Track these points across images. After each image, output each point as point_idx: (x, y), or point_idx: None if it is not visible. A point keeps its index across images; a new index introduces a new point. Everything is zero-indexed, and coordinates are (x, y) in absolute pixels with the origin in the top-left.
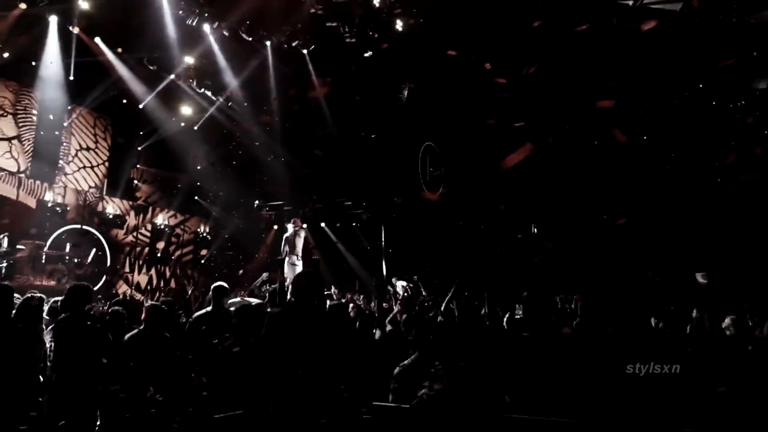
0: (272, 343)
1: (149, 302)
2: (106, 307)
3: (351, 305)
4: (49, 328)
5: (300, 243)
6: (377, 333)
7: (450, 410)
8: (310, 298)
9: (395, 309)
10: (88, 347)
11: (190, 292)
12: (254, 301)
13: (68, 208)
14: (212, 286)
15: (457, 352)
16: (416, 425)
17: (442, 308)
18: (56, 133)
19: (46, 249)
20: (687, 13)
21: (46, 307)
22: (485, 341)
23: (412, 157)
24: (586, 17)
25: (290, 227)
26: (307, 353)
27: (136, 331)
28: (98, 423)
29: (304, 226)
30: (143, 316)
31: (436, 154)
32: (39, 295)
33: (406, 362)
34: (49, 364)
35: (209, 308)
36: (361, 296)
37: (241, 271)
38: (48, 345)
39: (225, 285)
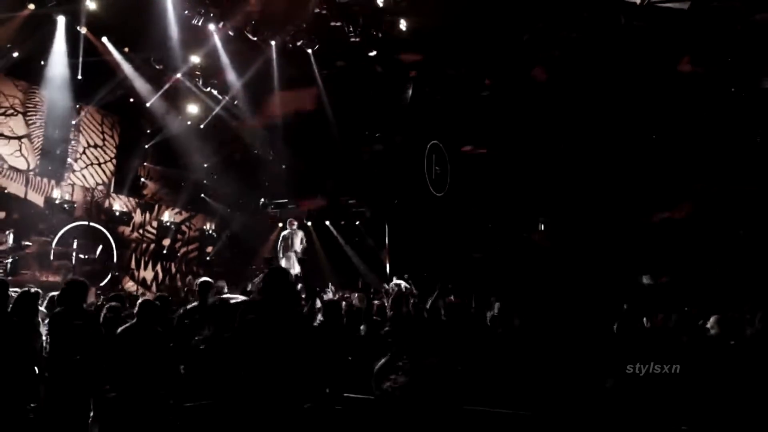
0: (242, 337)
1: (142, 297)
2: (101, 302)
3: (344, 302)
4: (46, 321)
5: (297, 241)
6: (362, 329)
7: (411, 402)
8: (279, 293)
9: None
10: (81, 340)
11: (186, 289)
12: (241, 297)
13: (75, 205)
14: (198, 281)
15: (427, 347)
16: (379, 416)
17: (428, 306)
18: (64, 131)
19: (53, 245)
20: (694, 12)
21: (45, 302)
22: (460, 337)
23: (418, 155)
24: (593, 16)
25: (287, 226)
26: (274, 347)
27: (128, 324)
28: (91, 413)
29: (308, 224)
30: (136, 310)
31: (442, 153)
32: (35, 289)
33: (386, 357)
34: (45, 356)
35: (196, 303)
36: (355, 294)
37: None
38: (44, 338)
39: (210, 280)
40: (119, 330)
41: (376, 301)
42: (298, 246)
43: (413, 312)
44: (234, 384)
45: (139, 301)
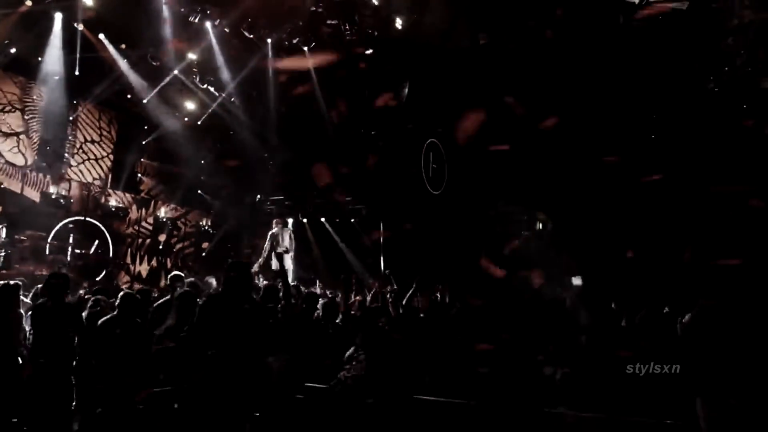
0: (201, 329)
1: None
2: (86, 295)
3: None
4: (29, 313)
5: (287, 238)
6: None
7: (362, 390)
8: (239, 288)
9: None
10: (62, 330)
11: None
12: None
13: (72, 201)
14: (169, 276)
15: (383, 340)
16: (332, 403)
17: (404, 302)
18: (62, 127)
19: (49, 240)
20: (693, 11)
21: (30, 294)
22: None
23: (415, 153)
24: (592, 14)
25: (274, 225)
26: (232, 338)
27: (109, 316)
28: (74, 402)
29: (305, 220)
30: (117, 302)
31: (440, 151)
32: (15, 281)
33: (351, 349)
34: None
35: (168, 296)
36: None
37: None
38: (28, 329)
39: (180, 274)
40: (100, 321)
41: (358, 297)
42: (287, 243)
43: (392, 308)
44: (193, 371)
45: (120, 293)
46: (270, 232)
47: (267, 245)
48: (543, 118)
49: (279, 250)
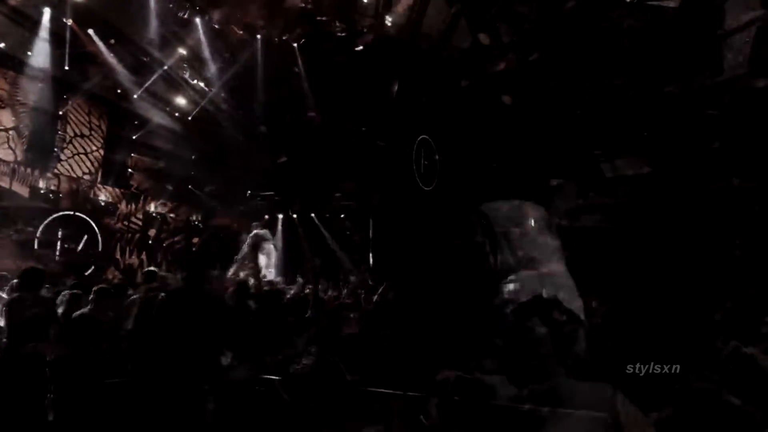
0: (160, 323)
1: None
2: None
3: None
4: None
5: (270, 238)
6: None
7: (310, 382)
8: (197, 285)
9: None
10: (37, 323)
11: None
12: None
13: (61, 195)
14: (143, 271)
15: (335, 333)
16: (285, 394)
17: (374, 298)
18: (51, 122)
19: (38, 235)
20: (685, 9)
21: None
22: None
23: (406, 150)
24: (586, 13)
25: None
26: (188, 331)
27: (83, 310)
28: (49, 395)
29: (294, 215)
30: (90, 297)
31: (432, 148)
32: None
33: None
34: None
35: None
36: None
37: None
38: (3, 323)
39: (155, 270)
40: (74, 315)
41: (332, 293)
42: (271, 243)
43: (364, 302)
44: (148, 363)
45: (95, 288)
46: (251, 233)
47: (248, 242)
48: (538, 115)
49: (262, 244)
